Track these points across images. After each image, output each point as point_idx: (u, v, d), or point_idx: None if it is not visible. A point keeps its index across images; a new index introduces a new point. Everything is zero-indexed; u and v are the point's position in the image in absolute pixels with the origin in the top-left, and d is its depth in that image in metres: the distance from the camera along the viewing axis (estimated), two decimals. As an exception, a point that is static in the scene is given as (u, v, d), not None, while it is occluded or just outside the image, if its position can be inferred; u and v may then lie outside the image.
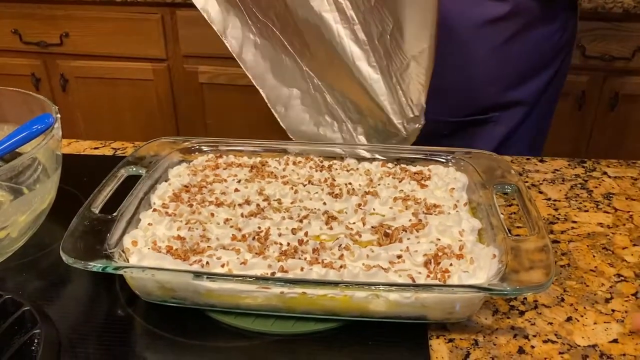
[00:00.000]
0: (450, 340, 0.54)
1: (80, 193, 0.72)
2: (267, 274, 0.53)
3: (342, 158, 0.73)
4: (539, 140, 0.98)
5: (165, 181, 0.68)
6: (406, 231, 0.59)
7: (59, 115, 0.61)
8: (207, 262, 0.54)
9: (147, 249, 0.56)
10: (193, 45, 1.70)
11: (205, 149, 0.75)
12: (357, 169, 0.72)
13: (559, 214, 0.71)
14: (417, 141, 0.80)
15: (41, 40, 1.76)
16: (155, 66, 1.75)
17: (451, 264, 0.54)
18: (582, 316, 0.56)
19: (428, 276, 0.53)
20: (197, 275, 0.51)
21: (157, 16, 1.67)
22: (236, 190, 0.67)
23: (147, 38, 1.72)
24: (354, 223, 0.61)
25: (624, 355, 0.52)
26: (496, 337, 0.54)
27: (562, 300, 0.58)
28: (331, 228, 0.60)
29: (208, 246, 0.57)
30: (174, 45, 1.72)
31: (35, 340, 0.49)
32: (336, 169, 0.71)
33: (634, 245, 0.66)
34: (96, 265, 0.51)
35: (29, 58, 1.80)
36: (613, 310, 0.57)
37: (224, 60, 1.62)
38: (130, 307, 0.56)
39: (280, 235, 0.59)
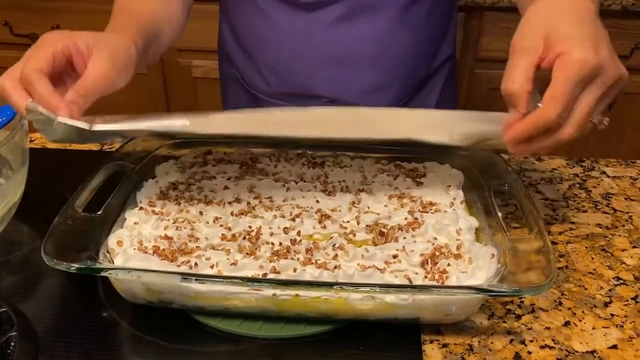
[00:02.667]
0: (445, 345, 0.52)
1: (65, 189, 0.70)
2: (259, 275, 0.51)
3: (336, 155, 0.72)
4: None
5: (152, 178, 0.66)
6: (402, 230, 0.57)
7: None
8: (196, 264, 0.52)
9: (133, 250, 0.54)
10: (187, 39, 1.65)
11: (193, 144, 0.73)
12: (351, 165, 0.70)
13: (557, 215, 0.70)
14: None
15: (32, 33, 1.72)
16: (148, 60, 1.72)
17: (449, 264, 0.53)
18: (580, 321, 0.55)
19: (425, 277, 0.52)
20: (185, 277, 0.49)
21: (150, 9, 1.65)
22: (226, 187, 0.65)
23: (139, 31, 1.69)
24: (348, 222, 0.60)
25: (624, 361, 0.51)
26: (492, 342, 0.52)
27: (560, 303, 0.57)
28: (325, 227, 0.58)
29: (197, 246, 0.55)
30: (167, 39, 1.69)
31: (12, 343, 0.47)
32: (329, 165, 0.70)
33: (634, 247, 0.64)
34: (79, 267, 0.49)
35: (20, 50, 1.74)
36: (612, 315, 0.55)
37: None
38: (113, 309, 0.54)
39: (271, 234, 0.57)
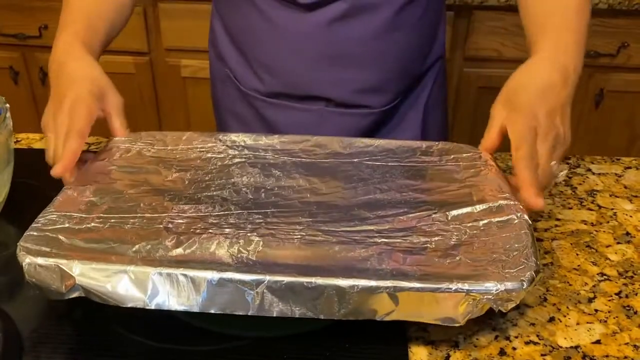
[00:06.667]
0: (430, 342, 0.52)
1: (50, 190, 0.69)
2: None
3: None
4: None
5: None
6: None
7: (8, 105, 0.58)
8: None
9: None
10: (175, 39, 1.67)
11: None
12: None
13: (543, 211, 0.70)
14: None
15: (19, 33, 1.71)
16: (137, 60, 1.72)
17: None
18: (565, 316, 0.55)
19: None
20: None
21: (139, 8, 1.64)
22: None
23: (128, 31, 1.65)
24: None
25: (607, 356, 0.51)
26: (477, 339, 0.52)
27: (545, 300, 0.57)
28: None
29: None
30: (155, 38, 1.69)
31: (-5, 344, 0.47)
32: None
33: (618, 243, 0.65)
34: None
35: (7, 51, 1.76)
36: (596, 310, 0.56)
37: (207, 54, 1.60)
38: (99, 309, 0.54)
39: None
